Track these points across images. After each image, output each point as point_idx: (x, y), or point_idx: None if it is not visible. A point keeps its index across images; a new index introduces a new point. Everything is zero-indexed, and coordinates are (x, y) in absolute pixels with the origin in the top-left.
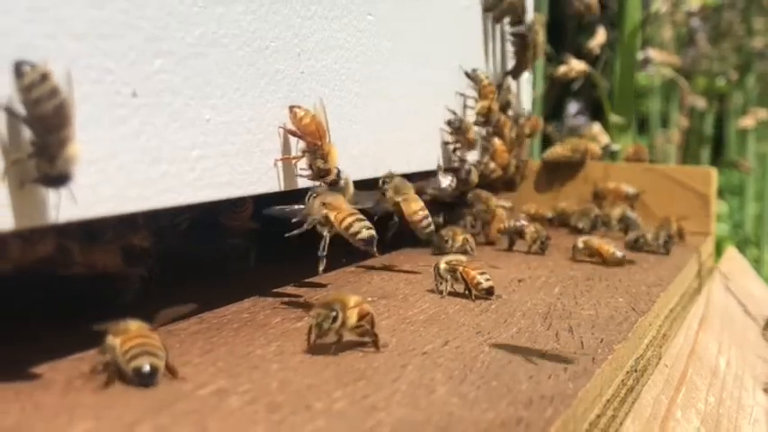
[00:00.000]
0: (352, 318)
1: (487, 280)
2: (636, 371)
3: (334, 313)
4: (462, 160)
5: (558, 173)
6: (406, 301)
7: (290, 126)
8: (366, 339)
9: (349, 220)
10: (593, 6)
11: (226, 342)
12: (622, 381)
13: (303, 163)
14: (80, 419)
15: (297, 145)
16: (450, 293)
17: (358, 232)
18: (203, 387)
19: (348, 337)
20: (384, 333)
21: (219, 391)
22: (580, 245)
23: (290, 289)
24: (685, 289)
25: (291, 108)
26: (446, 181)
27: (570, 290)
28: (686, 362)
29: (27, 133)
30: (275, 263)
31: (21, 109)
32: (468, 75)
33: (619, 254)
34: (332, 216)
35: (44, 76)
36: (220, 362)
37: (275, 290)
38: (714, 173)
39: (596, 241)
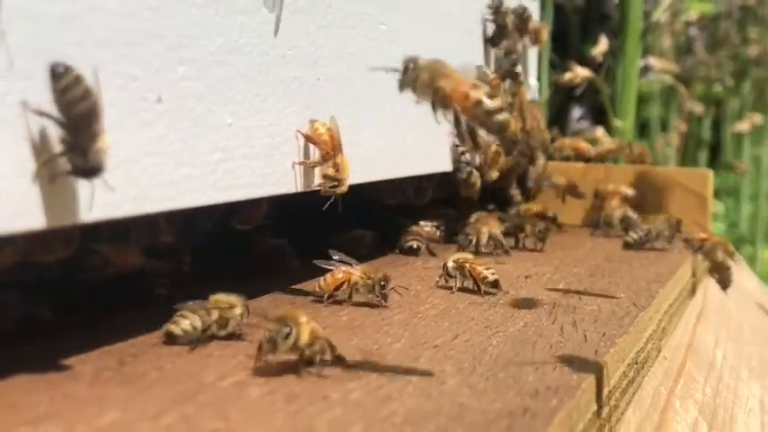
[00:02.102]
0: (304, 335)
1: (493, 274)
2: (636, 363)
3: (287, 329)
4: (467, 162)
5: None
6: (417, 297)
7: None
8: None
9: None
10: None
11: (246, 336)
12: (624, 372)
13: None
14: (108, 410)
15: (314, 149)
16: (459, 289)
17: None
18: (224, 379)
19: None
20: (397, 327)
21: (240, 382)
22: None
23: (305, 285)
24: (683, 285)
25: (310, 121)
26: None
27: (574, 286)
28: (684, 354)
29: (55, 132)
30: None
31: (54, 110)
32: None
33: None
34: None
35: (78, 78)
36: (241, 355)
37: (292, 286)
38: (711, 175)
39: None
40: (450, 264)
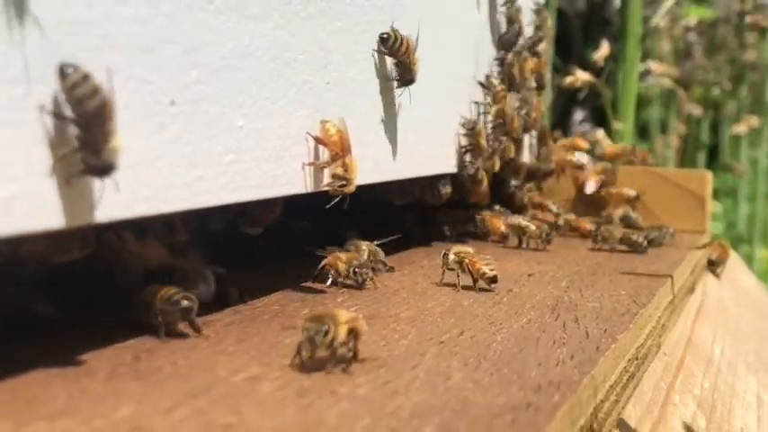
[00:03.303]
0: (342, 333)
1: (492, 270)
2: (637, 359)
3: (325, 327)
4: (471, 162)
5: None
6: (424, 294)
7: (318, 135)
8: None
9: None
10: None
11: (258, 332)
12: (624, 368)
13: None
14: (123, 404)
15: (323, 151)
16: (462, 287)
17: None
18: (237, 374)
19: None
20: (405, 324)
21: (252, 377)
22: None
23: (316, 283)
24: (683, 283)
25: (322, 121)
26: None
27: (576, 284)
28: (683, 350)
29: (71, 130)
30: (302, 259)
31: (66, 108)
32: (482, 84)
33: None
34: None
35: (86, 77)
36: (253, 350)
37: (303, 284)
38: (709, 176)
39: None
40: (452, 256)
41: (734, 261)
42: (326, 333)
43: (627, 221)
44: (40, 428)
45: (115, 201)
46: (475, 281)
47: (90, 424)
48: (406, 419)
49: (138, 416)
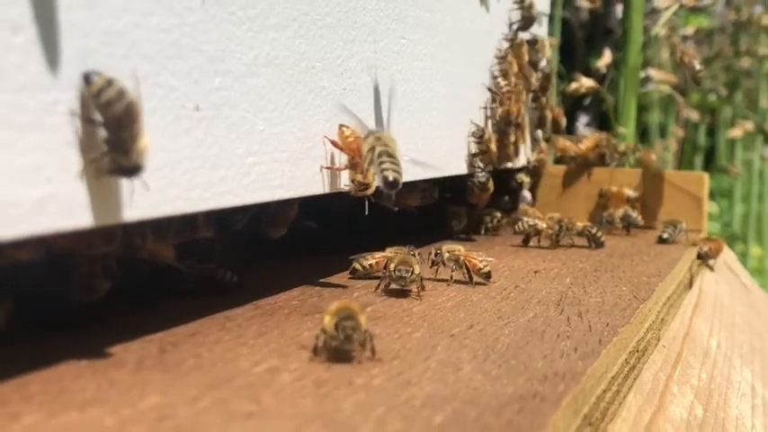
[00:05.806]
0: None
1: (486, 265)
2: (637, 351)
3: (357, 319)
4: (480, 168)
5: (565, 177)
6: (435, 289)
7: (336, 139)
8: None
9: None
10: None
11: (278, 326)
12: (626, 360)
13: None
14: (149, 394)
15: (339, 154)
16: (455, 281)
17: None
18: (258, 365)
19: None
20: (417, 318)
21: (272, 368)
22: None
23: (334, 278)
24: (681, 279)
25: (340, 126)
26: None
27: (580, 280)
28: (682, 343)
29: (100, 133)
30: (320, 255)
31: (95, 113)
32: (489, 89)
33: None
34: None
35: (110, 82)
36: (273, 343)
37: (321, 279)
38: (706, 177)
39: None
40: (446, 254)
41: (730, 258)
42: (359, 325)
43: (627, 221)
44: (71, 417)
45: (143, 201)
46: (470, 276)
47: (118, 413)
48: (418, 408)
49: (163, 405)
